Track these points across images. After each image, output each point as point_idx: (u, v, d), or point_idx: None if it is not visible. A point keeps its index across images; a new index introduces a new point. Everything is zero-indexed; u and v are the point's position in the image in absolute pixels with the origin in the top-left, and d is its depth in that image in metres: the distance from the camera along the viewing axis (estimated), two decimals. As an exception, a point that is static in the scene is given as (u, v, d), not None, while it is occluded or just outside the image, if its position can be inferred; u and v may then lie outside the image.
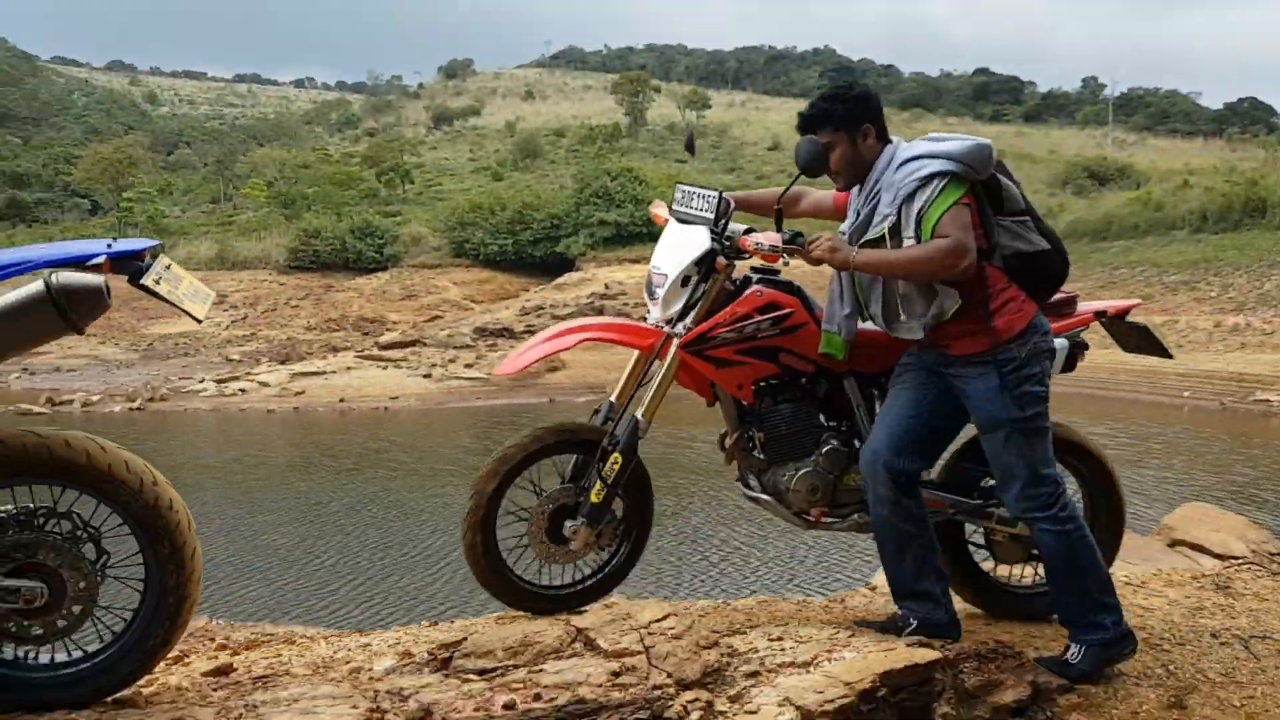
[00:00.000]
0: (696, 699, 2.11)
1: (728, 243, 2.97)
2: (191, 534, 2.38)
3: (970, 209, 2.73)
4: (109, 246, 2.15)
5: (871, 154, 2.87)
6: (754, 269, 3.10)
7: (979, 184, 2.79)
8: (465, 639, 2.37)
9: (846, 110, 2.85)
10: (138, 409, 20.94)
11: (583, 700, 2.00)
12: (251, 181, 53.34)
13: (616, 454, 2.96)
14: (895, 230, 2.74)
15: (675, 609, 2.61)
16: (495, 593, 2.98)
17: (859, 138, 2.86)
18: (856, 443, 3.09)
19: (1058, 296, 3.15)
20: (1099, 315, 3.30)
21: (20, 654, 2.32)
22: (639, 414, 3.01)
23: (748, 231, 2.96)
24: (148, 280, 2.15)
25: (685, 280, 2.99)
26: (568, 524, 2.96)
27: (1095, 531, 3.14)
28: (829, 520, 3.11)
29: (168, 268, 2.23)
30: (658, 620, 2.38)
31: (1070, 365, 3.24)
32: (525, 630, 2.36)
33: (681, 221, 3.09)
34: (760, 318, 2.99)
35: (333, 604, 8.72)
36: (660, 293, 2.99)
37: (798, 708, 2.12)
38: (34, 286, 2.13)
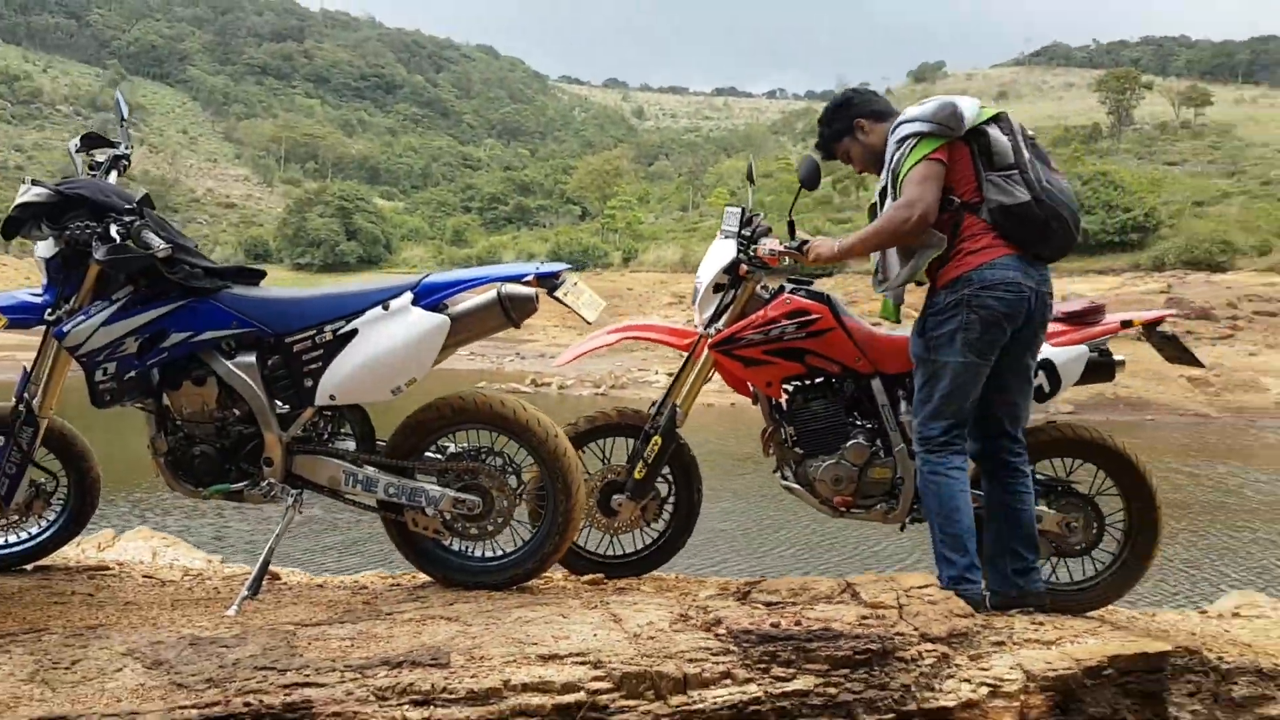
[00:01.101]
0: (934, 649, 2.46)
1: (752, 252, 3.36)
2: (577, 473, 3.18)
3: (942, 164, 2.90)
4: (537, 268, 3.04)
5: (879, 138, 3.13)
6: (789, 279, 3.43)
7: (972, 140, 2.98)
8: (761, 580, 2.94)
9: (832, 128, 3.29)
10: (601, 394, 23.96)
11: (829, 628, 2.47)
12: (716, 191, 57.32)
13: (656, 436, 3.49)
14: (883, 194, 3.02)
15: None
16: (564, 562, 3.52)
17: (859, 133, 3.23)
18: (880, 441, 3.31)
19: (1083, 305, 3.29)
20: (1125, 325, 3.29)
21: (462, 547, 3.26)
22: (676, 402, 3.53)
23: (766, 233, 3.41)
24: (558, 293, 3.05)
25: (717, 287, 3.43)
26: (615, 498, 3.50)
27: (1126, 548, 3.32)
28: (854, 510, 3.42)
29: (574, 284, 3.09)
30: (919, 586, 2.73)
31: (1102, 376, 3.34)
32: (805, 581, 2.86)
33: (724, 237, 3.48)
34: (787, 322, 3.33)
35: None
36: (698, 299, 3.45)
37: (1025, 671, 2.38)
38: (489, 294, 3.05)
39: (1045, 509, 3.34)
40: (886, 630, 2.48)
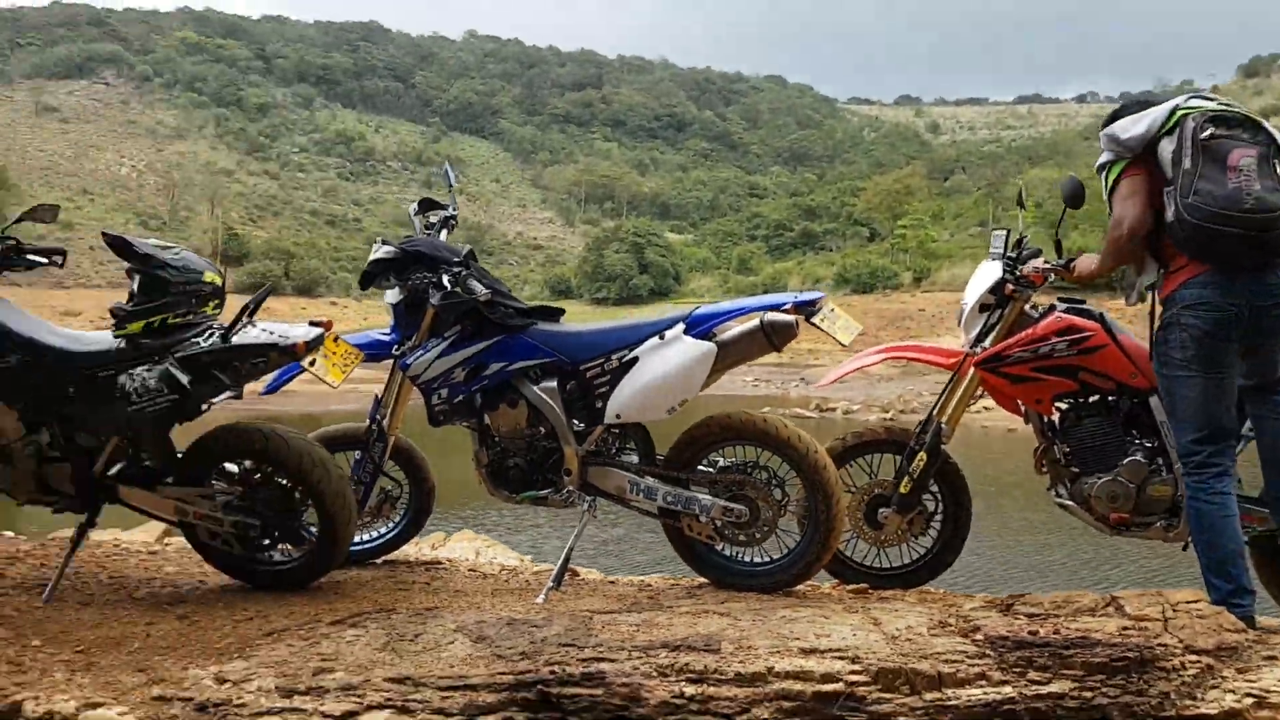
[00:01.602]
0: (1199, 661, 2.43)
1: (1019, 272, 3.36)
2: (837, 486, 3.38)
3: (1139, 176, 2.91)
4: (795, 297, 3.36)
5: None
6: (1060, 298, 3.38)
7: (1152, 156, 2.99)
8: (1024, 595, 3.01)
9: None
10: (889, 419, 23.49)
11: (1088, 637, 2.51)
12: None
13: (922, 453, 3.51)
14: None
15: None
16: (831, 570, 3.64)
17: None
18: (1159, 458, 3.17)
19: None
20: None
21: (732, 552, 3.53)
22: (942, 420, 3.61)
23: (1035, 255, 3.44)
24: (815, 318, 3.36)
25: (983, 308, 3.44)
26: (881, 510, 3.57)
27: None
28: (1132, 528, 3.28)
29: (831, 310, 3.40)
30: (1188, 601, 2.68)
31: None
32: (1069, 595, 2.91)
33: (991, 259, 3.50)
34: (1057, 340, 3.27)
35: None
36: (963, 319, 3.47)
37: (1299, 688, 2.34)
38: (752, 323, 3.40)
39: None
40: (1148, 640, 2.50)
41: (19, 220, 3.50)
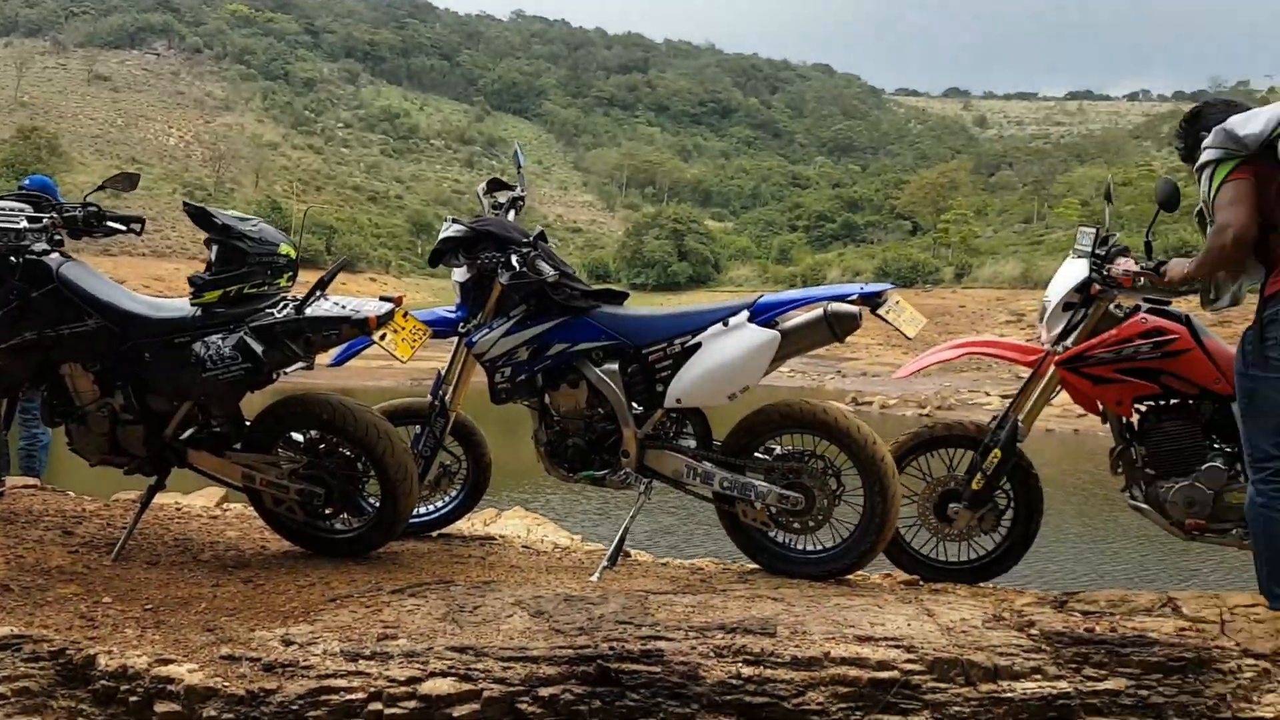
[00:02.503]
0: (1256, 664, 2.44)
1: (1106, 271, 3.28)
2: (894, 479, 3.41)
3: (1246, 181, 2.80)
4: (861, 288, 3.39)
5: None
6: (1145, 299, 3.32)
7: (1270, 157, 2.86)
8: (1078, 592, 3.02)
9: (1185, 143, 3.32)
10: (925, 414, 23.36)
11: (1144, 635, 2.53)
12: (1066, 201, 53.72)
13: (996, 450, 3.48)
14: (1199, 215, 3.02)
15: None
16: (893, 559, 3.66)
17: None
18: (1239, 465, 3.07)
19: None
20: None
21: (786, 539, 3.57)
22: (1019, 418, 3.57)
23: (1123, 252, 3.36)
24: (881, 310, 3.36)
25: (1067, 306, 3.37)
26: (952, 505, 3.55)
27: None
28: (1207, 534, 3.25)
29: (896, 302, 3.40)
30: (1246, 605, 2.68)
31: None
32: (1126, 593, 2.91)
33: (1077, 256, 3.42)
34: (1141, 341, 3.24)
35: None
36: (1046, 316, 3.41)
37: (1360, 696, 2.35)
38: (816, 312, 3.43)
39: None
40: (1205, 642, 2.51)
41: (100, 188, 3.60)
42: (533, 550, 4.14)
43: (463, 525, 4.43)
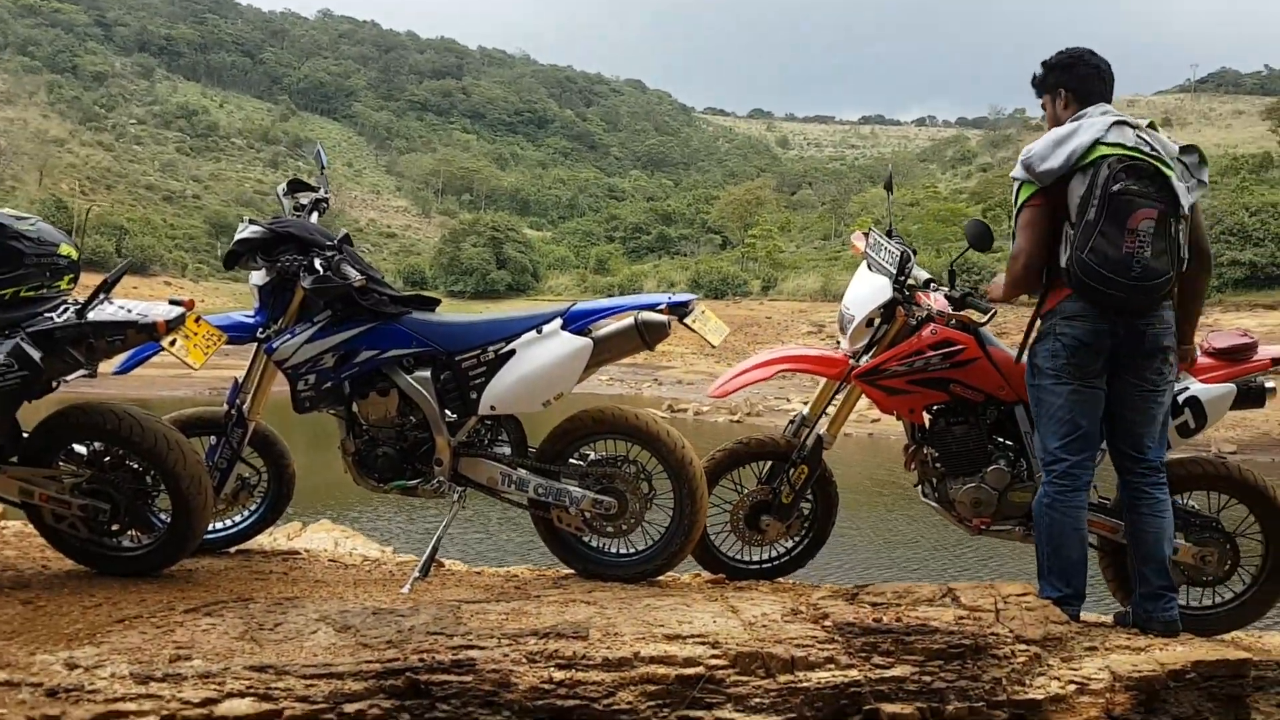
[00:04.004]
0: (1027, 650, 2.66)
1: (908, 293, 3.48)
2: (702, 481, 3.52)
3: (1039, 209, 3.06)
4: (669, 298, 3.46)
5: (1060, 122, 3.26)
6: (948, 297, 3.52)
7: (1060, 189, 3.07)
8: (868, 585, 3.21)
9: (1045, 80, 3.36)
10: (736, 420, 24.20)
11: (927, 624, 2.72)
12: (860, 220, 56.67)
13: (803, 465, 3.66)
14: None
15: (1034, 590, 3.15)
16: (701, 561, 3.81)
17: (1056, 102, 3.33)
18: (1022, 463, 3.40)
19: (1232, 341, 3.36)
20: (1276, 362, 3.33)
21: (599, 543, 3.63)
22: (822, 432, 3.72)
23: (927, 284, 3.52)
24: (688, 319, 3.46)
25: (870, 322, 3.55)
26: (763, 518, 3.71)
27: (1254, 588, 3.43)
28: (993, 530, 3.51)
29: (702, 312, 3.51)
30: (1018, 594, 2.94)
31: (1252, 403, 3.38)
32: (910, 585, 3.12)
33: (870, 268, 3.59)
34: (932, 353, 3.45)
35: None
36: (849, 329, 3.58)
37: (1112, 672, 2.58)
38: (627, 321, 3.49)
39: (1182, 541, 3.44)
40: (982, 630, 2.72)
41: None
42: (340, 564, 4.01)
43: (264, 540, 4.24)
